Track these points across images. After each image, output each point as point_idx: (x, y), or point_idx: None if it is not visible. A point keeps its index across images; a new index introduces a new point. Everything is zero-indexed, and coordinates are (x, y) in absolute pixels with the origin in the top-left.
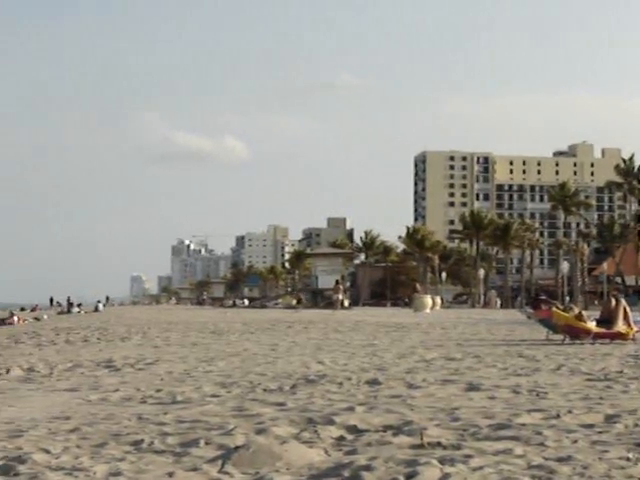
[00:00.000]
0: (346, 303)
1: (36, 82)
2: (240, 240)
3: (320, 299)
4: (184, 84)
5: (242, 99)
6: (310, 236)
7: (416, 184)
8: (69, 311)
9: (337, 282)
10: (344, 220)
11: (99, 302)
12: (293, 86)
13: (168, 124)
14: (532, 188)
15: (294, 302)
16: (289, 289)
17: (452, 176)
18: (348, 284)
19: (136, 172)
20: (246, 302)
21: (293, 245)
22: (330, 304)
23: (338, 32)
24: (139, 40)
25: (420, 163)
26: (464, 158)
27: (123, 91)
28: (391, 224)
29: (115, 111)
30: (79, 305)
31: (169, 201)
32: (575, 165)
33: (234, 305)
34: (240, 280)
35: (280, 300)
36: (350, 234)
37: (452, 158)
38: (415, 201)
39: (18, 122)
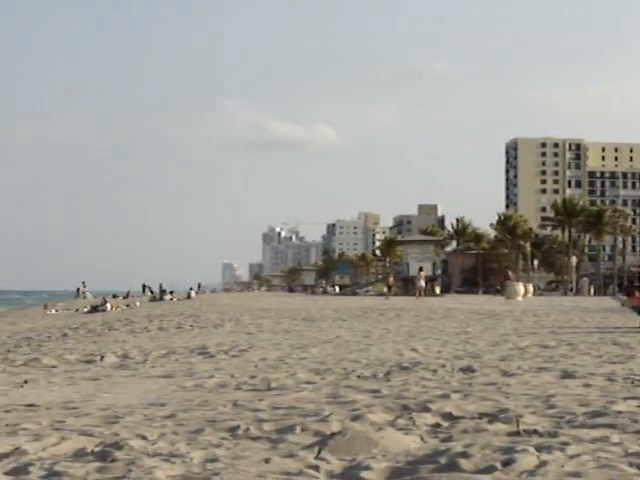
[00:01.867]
0: (437, 290)
1: (129, 70)
2: (331, 227)
3: (411, 287)
4: (277, 72)
5: (335, 87)
6: (401, 223)
7: (507, 171)
8: (161, 298)
9: (420, 269)
10: (435, 207)
11: (191, 289)
12: (385, 74)
13: (261, 112)
14: (624, 175)
15: (385, 289)
16: (380, 276)
17: (544, 163)
18: (439, 271)
19: (228, 160)
20: (337, 289)
21: (384, 232)
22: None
23: (431, 20)
24: (233, 29)
25: (511, 150)
26: (556, 145)
27: (217, 79)
28: (482, 211)
29: (208, 99)
30: (171, 292)
31: (261, 188)
32: None
33: (325, 292)
34: (331, 267)
35: (371, 287)
36: (441, 221)
37: (544, 145)
38: (507, 188)
39: (113, 111)
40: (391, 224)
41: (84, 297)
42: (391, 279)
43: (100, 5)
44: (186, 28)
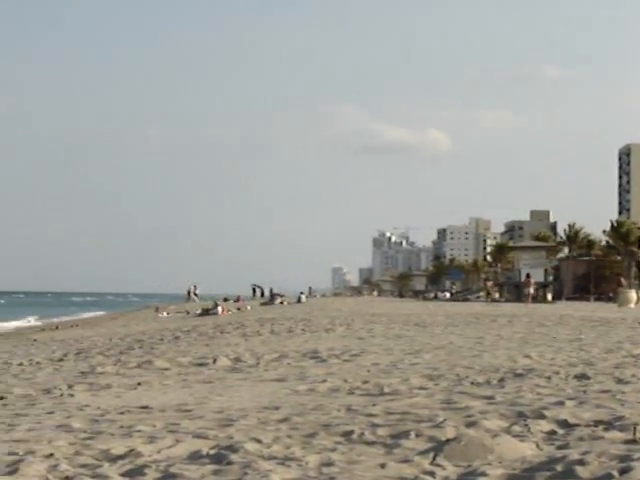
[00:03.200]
0: (549, 297)
1: (239, 70)
2: (442, 232)
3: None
4: (389, 77)
5: (446, 92)
6: (513, 229)
7: (620, 177)
8: (271, 302)
9: (527, 275)
10: (547, 213)
11: (302, 293)
12: (496, 79)
13: (372, 117)
14: None
15: (495, 295)
16: (488, 282)
17: None
18: (551, 278)
19: (339, 164)
20: (447, 295)
21: (495, 238)
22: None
23: (543, 24)
24: (346, 33)
25: (624, 156)
26: None
27: (328, 84)
28: (594, 217)
29: (319, 104)
30: (281, 296)
31: (371, 193)
32: None
33: (435, 298)
34: (442, 273)
35: (482, 293)
36: (553, 227)
37: None
38: (619, 194)
39: (228, 118)
40: (502, 230)
41: (194, 300)
42: (489, 284)
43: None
44: (302, 32)
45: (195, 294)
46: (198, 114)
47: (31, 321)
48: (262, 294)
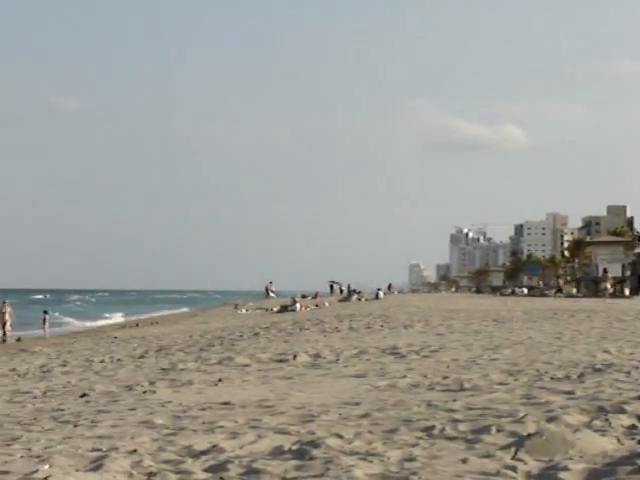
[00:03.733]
0: (626, 292)
1: (313, 66)
2: (519, 228)
3: (600, 288)
4: (464, 72)
5: (522, 87)
6: (590, 224)
7: None
8: (349, 298)
9: (604, 271)
10: (624, 208)
11: (379, 290)
12: (572, 74)
13: (447, 112)
14: None
15: (555, 290)
16: (568, 278)
17: None
18: (628, 273)
19: (416, 161)
20: (525, 291)
21: (572, 233)
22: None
23: (619, 18)
24: (418, 31)
25: None
26: None
27: (401, 79)
28: None
29: (393, 99)
30: (359, 292)
31: (447, 189)
32: None
33: (513, 293)
34: (519, 269)
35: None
36: (630, 222)
37: None
38: None
39: (296, 110)
40: (580, 225)
41: (272, 297)
42: (560, 281)
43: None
44: (379, 27)
45: (272, 291)
46: (286, 112)
47: (119, 318)
48: (340, 291)
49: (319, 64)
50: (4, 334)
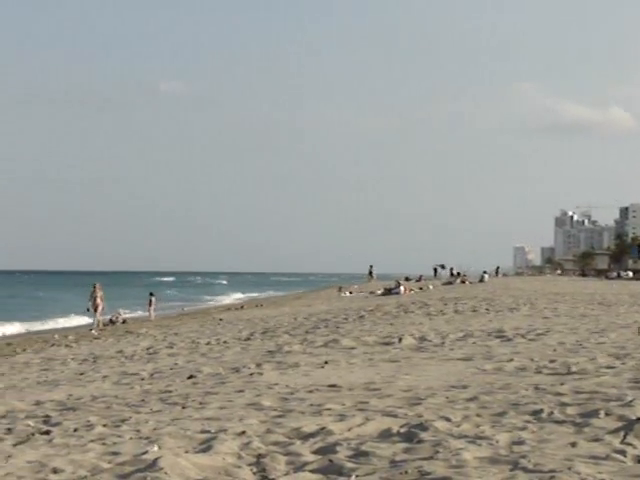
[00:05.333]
0: None
1: (407, 53)
2: (624, 211)
3: None
4: (570, 54)
5: (628, 69)
6: None
7: None
8: (453, 281)
9: None
10: None
11: (485, 272)
12: None
13: (553, 95)
14: None
15: None
16: None
17: None
18: None
19: (519, 143)
20: (630, 274)
21: None
22: None
23: None
24: (520, 12)
25: None
26: None
27: (507, 63)
28: None
29: (498, 82)
30: (463, 275)
31: (552, 172)
32: None
33: (619, 277)
34: (624, 252)
35: None
36: None
37: None
38: None
39: (392, 97)
40: None
41: (374, 279)
42: None
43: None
44: (486, 10)
45: (372, 274)
46: (391, 101)
47: (241, 298)
48: (452, 272)
49: (426, 49)
50: (96, 318)
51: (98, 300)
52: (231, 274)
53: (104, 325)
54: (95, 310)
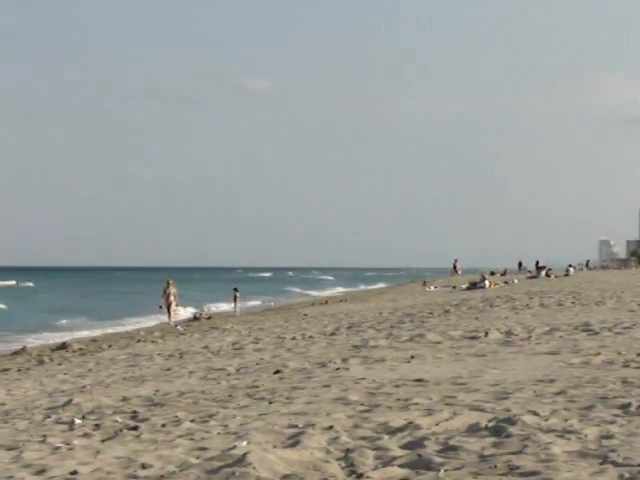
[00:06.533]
0: None
1: (487, 41)
2: None
3: None
4: None
5: None
6: None
7: None
8: (538, 275)
9: None
10: None
11: (570, 266)
12: None
13: (636, 87)
14: None
15: None
16: None
17: None
18: None
19: (603, 135)
20: None
21: None
22: None
23: None
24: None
25: None
26: None
27: (585, 53)
28: None
29: (578, 74)
30: (548, 269)
31: (636, 165)
32: None
33: None
34: None
35: None
36: None
37: None
38: None
39: (469, 83)
40: None
41: (459, 274)
42: None
43: None
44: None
45: (458, 269)
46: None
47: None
48: (536, 266)
49: (504, 36)
50: (169, 316)
51: (171, 297)
52: (325, 269)
53: (174, 325)
54: (168, 307)
